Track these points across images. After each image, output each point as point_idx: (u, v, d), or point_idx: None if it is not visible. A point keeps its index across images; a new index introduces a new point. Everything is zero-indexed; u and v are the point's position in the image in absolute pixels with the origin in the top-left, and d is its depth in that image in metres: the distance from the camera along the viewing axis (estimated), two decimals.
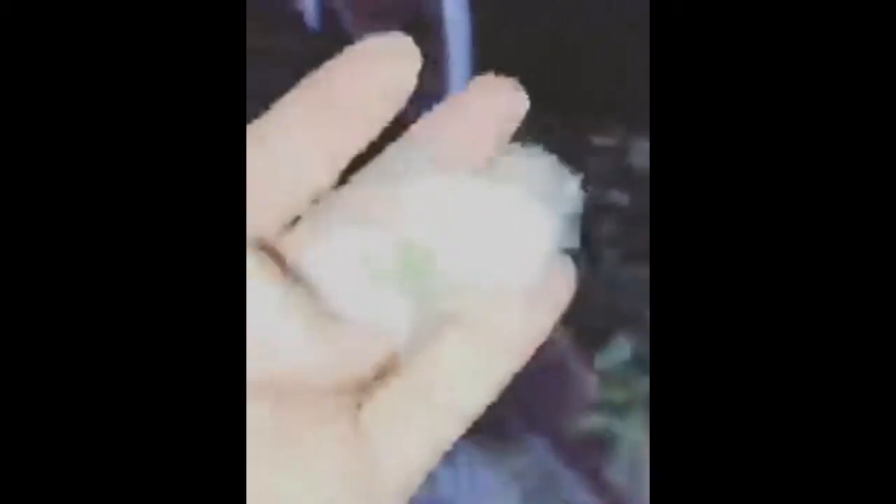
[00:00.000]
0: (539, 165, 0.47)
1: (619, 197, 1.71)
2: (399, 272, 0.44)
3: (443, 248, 0.44)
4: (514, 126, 0.49)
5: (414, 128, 0.48)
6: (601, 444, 1.58)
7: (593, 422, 1.56)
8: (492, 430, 1.59)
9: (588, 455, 1.60)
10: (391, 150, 0.47)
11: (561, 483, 1.59)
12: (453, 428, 0.48)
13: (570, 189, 0.48)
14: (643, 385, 1.55)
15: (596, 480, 1.60)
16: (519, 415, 1.63)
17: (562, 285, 0.48)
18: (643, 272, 1.63)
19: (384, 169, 0.47)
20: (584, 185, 0.50)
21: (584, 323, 1.61)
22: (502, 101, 0.48)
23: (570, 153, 1.82)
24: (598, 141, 1.69)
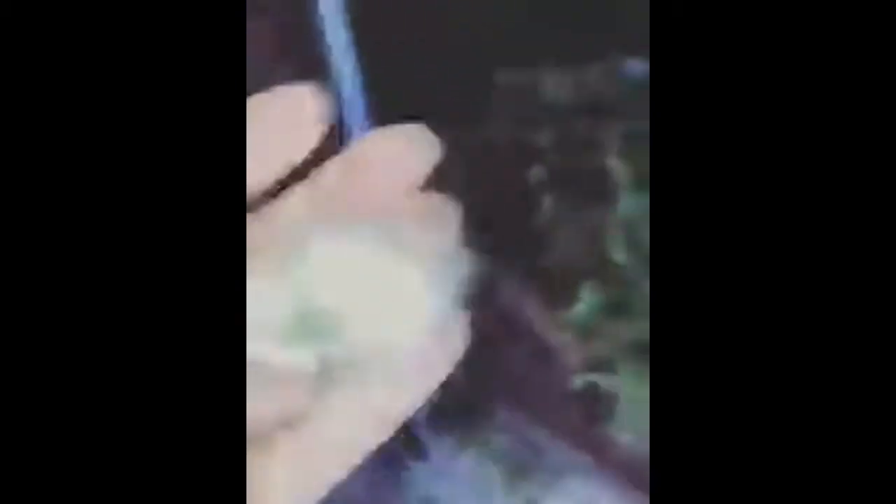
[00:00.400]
0: (438, 240, 0.55)
1: (541, 137, 1.59)
2: (302, 331, 0.49)
3: (342, 309, 0.50)
4: (424, 172, 0.53)
5: (320, 176, 0.51)
6: (594, 406, 1.47)
7: (579, 384, 1.44)
8: (464, 413, 1.50)
9: (580, 419, 1.50)
10: (297, 195, 0.51)
11: (549, 454, 1.49)
12: (341, 466, 0.51)
13: (463, 269, 0.57)
14: (625, 333, 1.44)
15: (593, 443, 1.48)
16: (492, 392, 1.53)
17: (445, 350, 0.55)
18: (587, 214, 1.52)
19: (288, 216, 0.50)
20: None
21: (543, 281, 1.49)
22: (408, 151, 0.52)
23: (479, 93, 1.67)
24: (507, 78, 1.59)
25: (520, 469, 1.50)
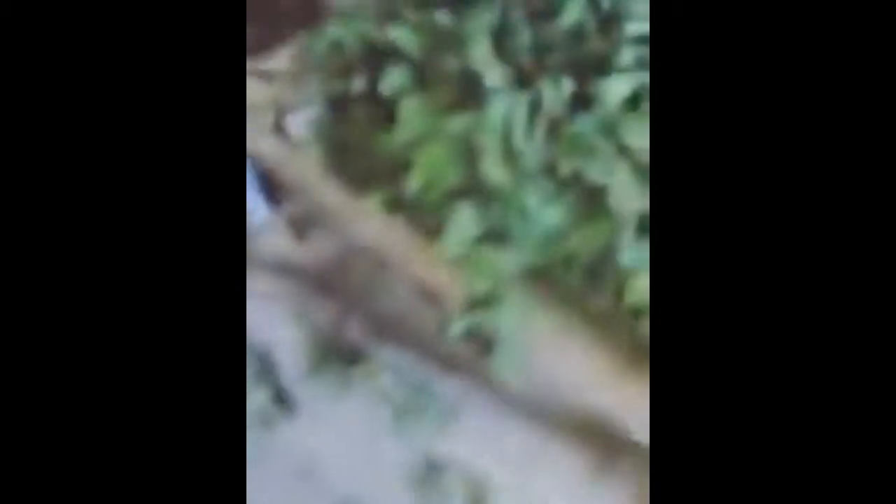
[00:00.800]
0: None
1: (398, 33, 1.35)
2: None
3: None
4: None
5: None
6: (478, 344, 1.27)
7: (459, 328, 1.24)
8: (346, 356, 1.36)
9: (466, 358, 1.32)
10: None
11: (437, 392, 1.34)
12: None
13: None
14: (502, 263, 1.23)
15: (480, 380, 1.32)
16: (372, 333, 1.37)
17: None
18: (455, 123, 1.30)
19: None
20: None
21: (408, 209, 1.28)
22: None
23: None
24: None
25: (407, 407, 1.33)
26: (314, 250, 1.44)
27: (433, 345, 1.34)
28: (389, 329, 1.38)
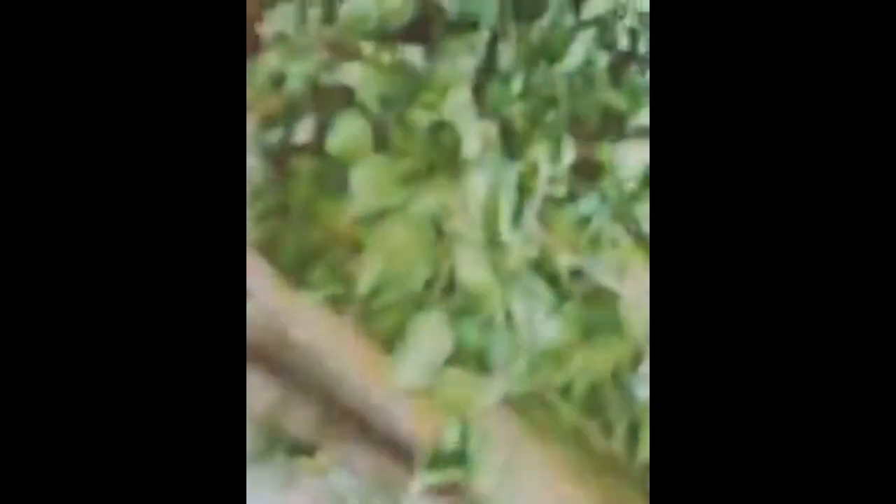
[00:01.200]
0: None
1: (351, 73, 1.06)
2: None
3: None
4: None
5: None
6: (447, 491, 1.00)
7: (431, 479, 0.97)
8: (292, 446, 1.13)
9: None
10: None
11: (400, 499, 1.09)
12: None
13: None
14: (480, 394, 0.96)
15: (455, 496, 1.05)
16: (322, 422, 1.11)
17: None
18: (424, 197, 1.02)
19: None
20: None
21: (360, 317, 0.99)
22: None
23: None
24: None
25: None
26: (256, 316, 1.18)
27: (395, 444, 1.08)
28: (343, 421, 1.12)
